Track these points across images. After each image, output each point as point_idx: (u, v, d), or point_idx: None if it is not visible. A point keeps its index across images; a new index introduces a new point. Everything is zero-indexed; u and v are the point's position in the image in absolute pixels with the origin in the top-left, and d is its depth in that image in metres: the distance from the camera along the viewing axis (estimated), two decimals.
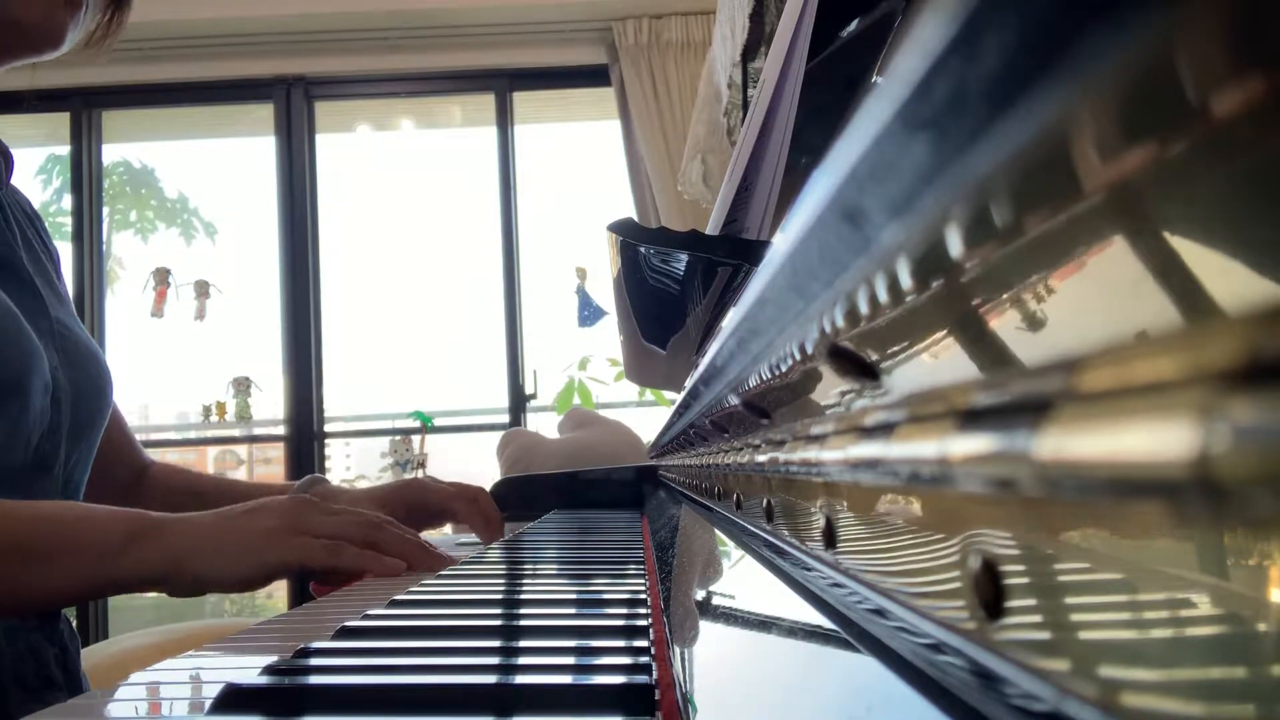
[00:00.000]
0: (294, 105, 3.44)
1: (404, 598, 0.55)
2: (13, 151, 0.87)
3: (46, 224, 0.92)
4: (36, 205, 0.93)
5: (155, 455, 1.02)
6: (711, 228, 0.72)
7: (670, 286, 0.65)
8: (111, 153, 3.59)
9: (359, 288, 3.53)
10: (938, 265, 0.15)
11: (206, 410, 3.46)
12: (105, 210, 3.51)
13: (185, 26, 3.26)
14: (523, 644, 0.42)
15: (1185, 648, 0.10)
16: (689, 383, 0.53)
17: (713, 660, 0.35)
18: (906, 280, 0.16)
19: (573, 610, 0.52)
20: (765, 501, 0.38)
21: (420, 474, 3.48)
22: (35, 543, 0.63)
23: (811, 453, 0.26)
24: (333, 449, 3.52)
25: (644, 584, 0.57)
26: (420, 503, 0.95)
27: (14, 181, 0.87)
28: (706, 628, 0.42)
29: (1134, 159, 0.10)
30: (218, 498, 0.89)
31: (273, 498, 0.71)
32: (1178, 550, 0.10)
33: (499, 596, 0.59)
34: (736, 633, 0.39)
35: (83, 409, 0.82)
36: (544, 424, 3.28)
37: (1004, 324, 0.14)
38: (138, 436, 1.01)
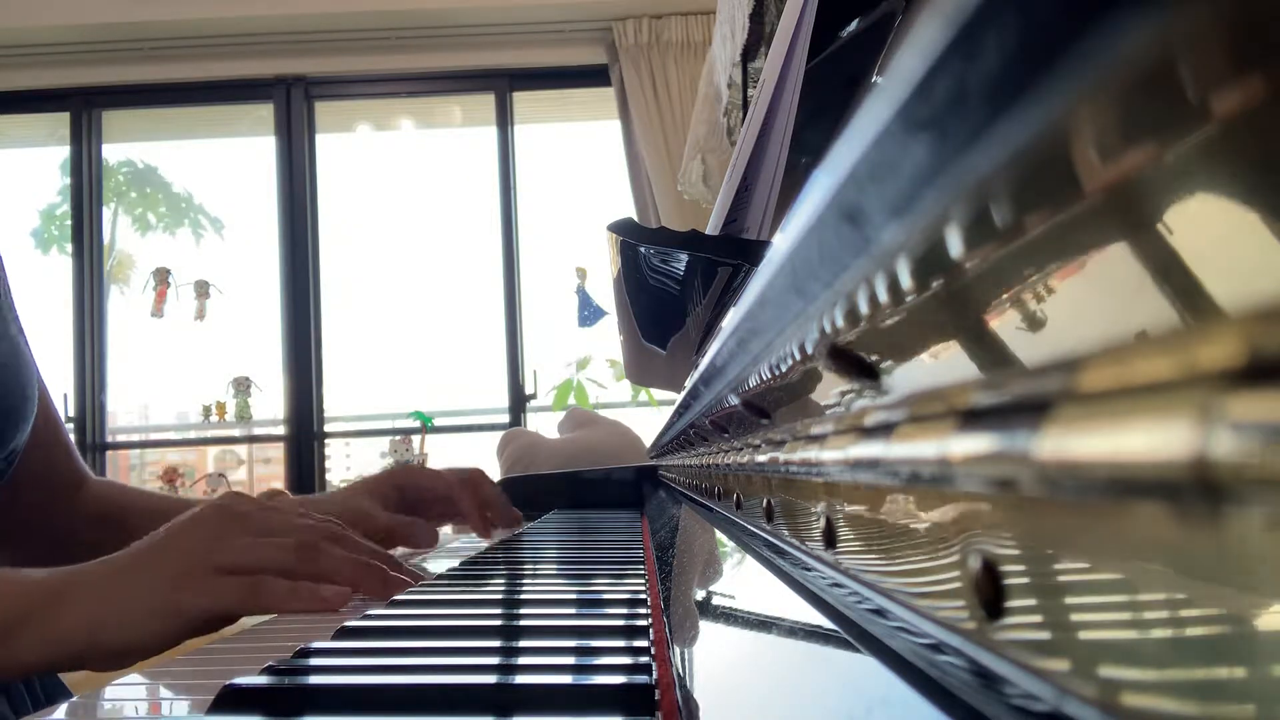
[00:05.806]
0: (294, 105, 3.45)
1: (404, 597, 0.55)
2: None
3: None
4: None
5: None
6: (711, 228, 0.72)
7: (670, 286, 0.65)
8: (115, 152, 3.58)
9: (359, 287, 3.53)
10: (937, 265, 0.15)
11: (206, 410, 3.46)
12: (110, 209, 3.50)
13: (185, 26, 3.27)
14: (523, 644, 0.42)
15: (1185, 648, 0.10)
16: (689, 383, 0.53)
17: (713, 660, 0.35)
18: (906, 280, 0.16)
19: (573, 610, 0.52)
20: (765, 501, 0.38)
21: None
22: None
23: (811, 453, 0.26)
24: (333, 449, 3.52)
25: (644, 584, 0.57)
26: (414, 484, 0.90)
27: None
28: (706, 628, 0.42)
29: (1133, 158, 0.10)
30: (150, 519, 0.70)
31: (186, 516, 0.58)
32: (1177, 550, 0.10)
33: (499, 596, 0.59)
34: (736, 632, 0.39)
35: None
36: (544, 424, 3.28)
37: (1004, 324, 0.14)
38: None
